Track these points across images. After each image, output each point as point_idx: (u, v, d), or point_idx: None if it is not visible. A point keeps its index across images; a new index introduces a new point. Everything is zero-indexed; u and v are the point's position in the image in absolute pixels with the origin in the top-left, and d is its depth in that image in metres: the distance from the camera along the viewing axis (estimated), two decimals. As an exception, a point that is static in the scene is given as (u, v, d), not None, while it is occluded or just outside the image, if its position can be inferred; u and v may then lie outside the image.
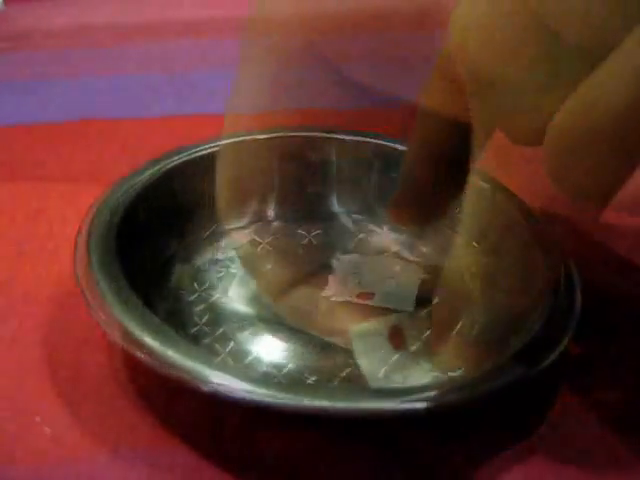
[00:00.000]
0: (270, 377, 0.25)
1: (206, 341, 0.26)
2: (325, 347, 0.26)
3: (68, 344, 0.26)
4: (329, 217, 0.32)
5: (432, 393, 0.21)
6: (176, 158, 0.30)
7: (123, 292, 0.23)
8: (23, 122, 0.41)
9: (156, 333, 0.22)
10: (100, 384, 0.25)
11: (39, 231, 0.32)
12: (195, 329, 0.26)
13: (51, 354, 0.26)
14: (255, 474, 0.23)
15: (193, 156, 0.30)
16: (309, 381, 0.25)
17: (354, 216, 0.32)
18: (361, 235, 0.31)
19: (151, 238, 0.28)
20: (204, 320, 0.27)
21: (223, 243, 0.30)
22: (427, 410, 0.20)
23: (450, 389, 0.21)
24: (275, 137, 0.31)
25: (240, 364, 0.25)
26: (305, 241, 0.31)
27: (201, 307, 0.27)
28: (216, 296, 0.28)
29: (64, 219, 0.33)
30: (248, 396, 0.20)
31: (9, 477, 0.22)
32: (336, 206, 0.32)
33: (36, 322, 0.27)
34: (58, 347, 0.26)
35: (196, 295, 0.28)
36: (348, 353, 0.26)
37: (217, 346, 0.26)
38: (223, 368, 0.21)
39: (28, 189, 0.35)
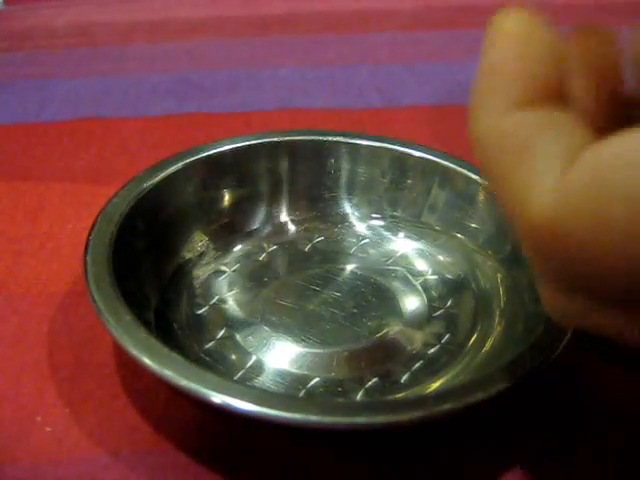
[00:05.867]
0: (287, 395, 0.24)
1: (224, 355, 0.26)
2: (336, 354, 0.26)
3: (68, 344, 0.26)
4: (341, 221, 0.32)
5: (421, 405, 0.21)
6: (175, 165, 0.29)
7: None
8: (23, 122, 0.41)
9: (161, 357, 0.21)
10: (100, 384, 0.25)
11: (39, 231, 0.32)
12: (210, 344, 0.26)
13: (51, 354, 0.26)
14: (255, 475, 0.23)
15: (193, 161, 0.30)
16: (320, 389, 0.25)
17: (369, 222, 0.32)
18: (366, 240, 0.31)
19: (153, 252, 0.28)
20: (219, 335, 0.27)
21: (225, 253, 0.30)
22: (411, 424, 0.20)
23: (443, 398, 0.21)
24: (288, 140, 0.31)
25: (258, 378, 0.25)
26: (308, 247, 0.31)
27: (213, 320, 0.27)
28: (225, 307, 0.28)
29: (64, 219, 0.33)
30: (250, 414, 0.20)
31: (10, 476, 0.22)
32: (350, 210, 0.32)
33: (36, 322, 0.27)
34: (58, 347, 0.26)
35: (206, 308, 0.28)
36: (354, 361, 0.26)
37: (236, 361, 0.26)
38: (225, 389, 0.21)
39: (28, 189, 0.35)
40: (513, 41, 0.17)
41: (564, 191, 0.15)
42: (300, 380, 0.25)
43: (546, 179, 0.15)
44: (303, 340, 0.26)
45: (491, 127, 0.16)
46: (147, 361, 0.21)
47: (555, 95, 0.16)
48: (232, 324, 0.27)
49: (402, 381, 0.25)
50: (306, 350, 0.26)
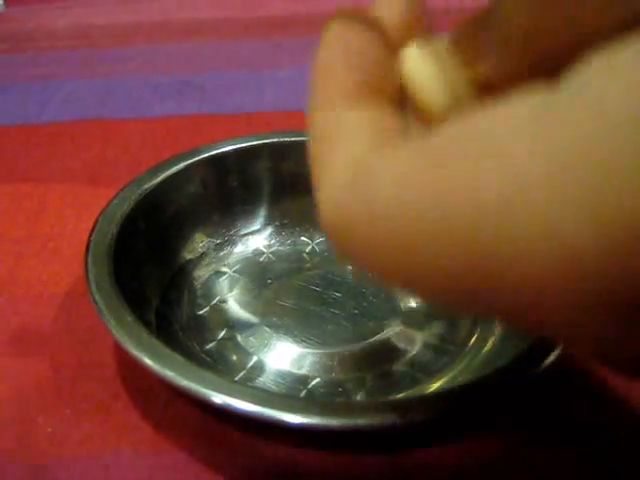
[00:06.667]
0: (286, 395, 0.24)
1: (225, 356, 0.26)
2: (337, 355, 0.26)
3: (69, 345, 0.26)
4: None
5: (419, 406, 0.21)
6: (176, 165, 0.29)
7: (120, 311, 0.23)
8: (24, 123, 0.41)
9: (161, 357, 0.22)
10: (101, 384, 0.25)
11: (40, 232, 0.32)
12: (211, 345, 0.26)
13: (52, 355, 0.26)
14: (255, 475, 0.23)
15: (194, 162, 0.30)
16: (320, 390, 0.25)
17: None
18: None
19: (154, 253, 0.28)
20: (220, 335, 0.27)
21: (226, 253, 0.30)
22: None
23: (440, 399, 0.21)
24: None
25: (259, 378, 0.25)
26: (309, 247, 0.31)
27: (214, 321, 0.27)
28: (226, 308, 0.28)
29: (65, 220, 0.33)
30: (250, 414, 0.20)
31: (11, 477, 0.22)
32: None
33: (37, 322, 0.27)
34: (59, 347, 0.26)
35: (207, 308, 0.28)
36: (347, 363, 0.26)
37: (237, 361, 0.26)
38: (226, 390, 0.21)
39: (29, 190, 0.35)
40: (338, 42, 0.17)
41: (340, 189, 0.14)
42: (301, 380, 0.25)
43: (338, 174, 0.14)
44: (304, 341, 0.26)
45: (314, 123, 0.16)
46: (148, 361, 0.21)
47: (382, 91, 0.16)
48: (233, 325, 0.27)
49: (402, 381, 0.25)
50: (307, 351, 0.26)
